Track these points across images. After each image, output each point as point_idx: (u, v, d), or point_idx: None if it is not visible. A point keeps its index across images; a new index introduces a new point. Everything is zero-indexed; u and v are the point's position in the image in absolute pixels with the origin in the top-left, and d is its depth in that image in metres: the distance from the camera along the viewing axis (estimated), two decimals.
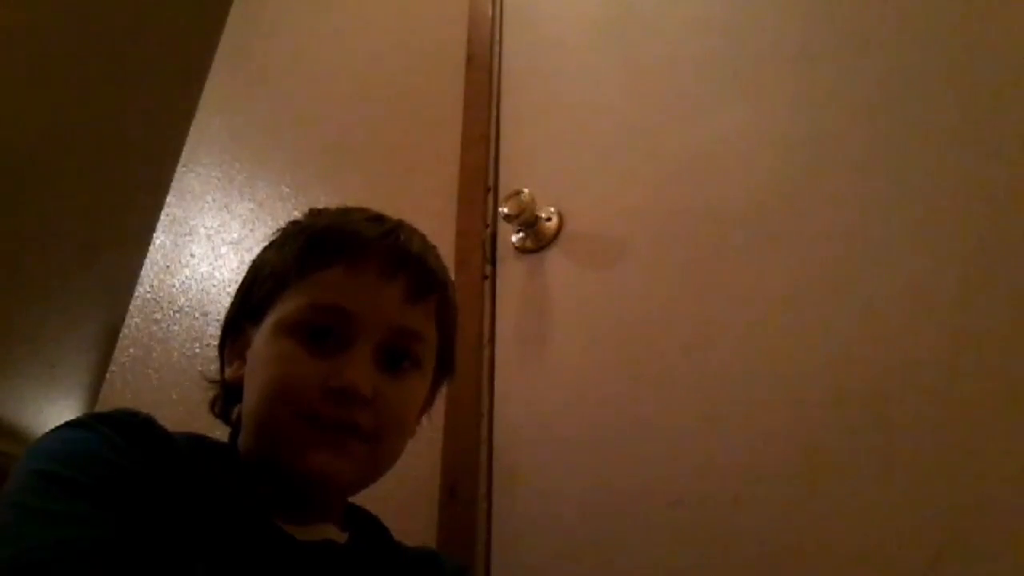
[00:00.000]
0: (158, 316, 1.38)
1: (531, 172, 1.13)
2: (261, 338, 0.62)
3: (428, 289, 0.65)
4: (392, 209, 1.25)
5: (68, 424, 0.53)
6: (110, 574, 0.43)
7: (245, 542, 0.53)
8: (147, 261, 1.49)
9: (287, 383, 0.58)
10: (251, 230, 1.40)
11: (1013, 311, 0.69)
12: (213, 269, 1.40)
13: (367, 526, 0.68)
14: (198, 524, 0.51)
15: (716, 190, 0.94)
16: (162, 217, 1.55)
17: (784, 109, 0.94)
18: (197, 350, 1.28)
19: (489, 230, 1.10)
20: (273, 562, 0.55)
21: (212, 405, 0.68)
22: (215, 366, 0.69)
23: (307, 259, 0.63)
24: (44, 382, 3.49)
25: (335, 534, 0.63)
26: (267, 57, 1.72)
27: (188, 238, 1.49)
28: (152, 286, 1.44)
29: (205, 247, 1.45)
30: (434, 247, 0.70)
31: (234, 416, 0.67)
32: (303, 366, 0.58)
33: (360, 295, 0.60)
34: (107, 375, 1.34)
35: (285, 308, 0.61)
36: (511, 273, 1.06)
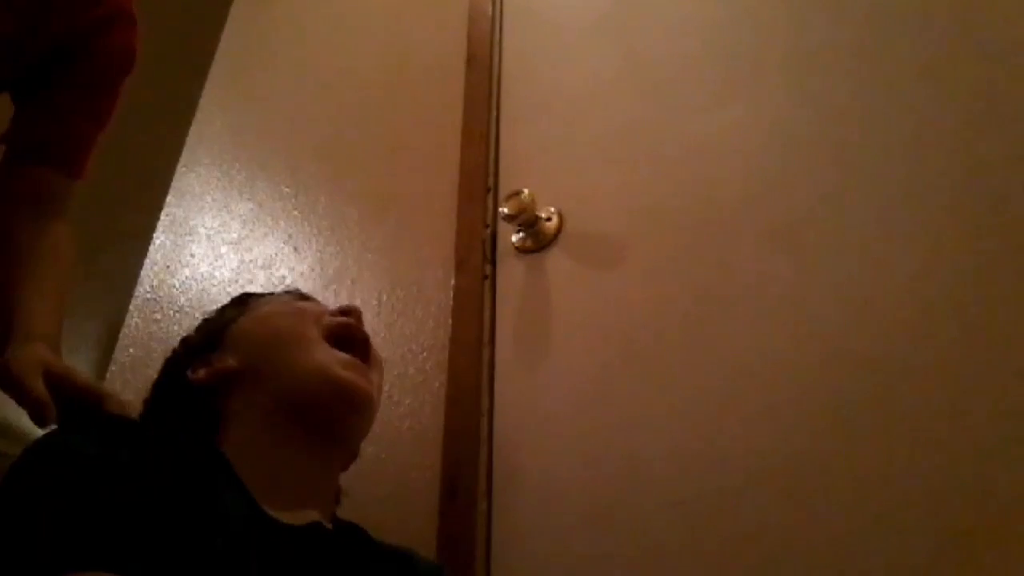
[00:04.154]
0: (158, 316, 1.38)
1: (531, 172, 1.13)
2: (254, 316, 0.73)
3: None
4: (392, 209, 1.25)
5: (45, 440, 0.53)
6: None
7: (233, 530, 0.53)
8: (147, 261, 1.49)
9: (307, 308, 0.74)
10: (251, 230, 1.40)
11: (1012, 309, 0.69)
12: (213, 269, 1.40)
13: (347, 524, 0.70)
14: (184, 518, 0.51)
15: (716, 190, 0.94)
16: (162, 217, 1.55)
17: (783, 107, 0.94)
18: None
19: (489, 230, 1.10)
20: (263, 546, 0.55)
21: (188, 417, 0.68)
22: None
23: (256, 295, 0.80)
24: None
25: (321, 517, 0.64)
26: (267, 57, 1.72)
27: (188, 238, 1.49)
28: (152, 286, 1.44)
29: (205, 247, 1.45)
30: None
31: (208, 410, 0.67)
32: (311, 304, 0.76)
33: (308, 297, 0.80)
34: (107, 375, 1.34)
35: (261, 306, 0.75)
36: (511, 273, 1.06)
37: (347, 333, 0.72)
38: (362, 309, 0.77)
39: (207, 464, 0.58)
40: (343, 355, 0.69)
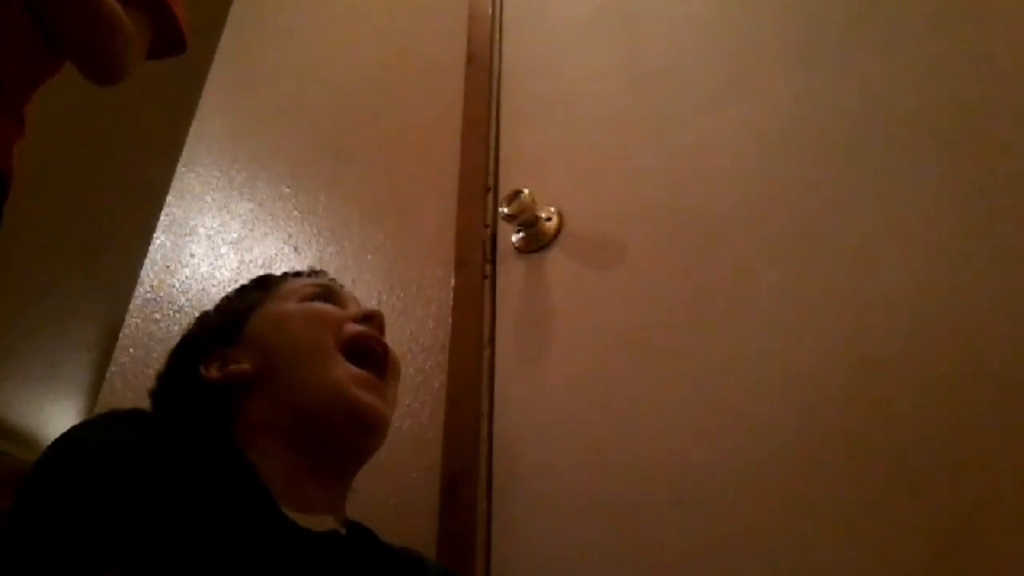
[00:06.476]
0: (158, 316, 1.38)
1: (531, 172, 1.13)
2: (273, 314, 0.70)
3: None
4: (392, 209, 1.25)
5: (87, 423, 0.54)
6: None
7: (258, 534, 0.53)
8: (147, 261, 1.49)
9: (326, 313, 0.70)
10: (251, 230, 1.40)
11: (1012, 310, 0.69)
12: (213, 269, 1.40)
13: (357, 527, 0.70)
14: (209, 520, 0.51)
15: (716, 190, 0.94)
16: (162, 217, 1.55)
17: (783, 107, 0.94)
18: None
19: (489, 230, 1.10)
20: (286, 551, 0.55)
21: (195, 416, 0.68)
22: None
23: (278, 276, 0.77)
24: (44, 381, 3.49)
25: (336, 525, 0.64)
26: (267, 57, 1.72)
27: (188, 238, 1.49)
28: (152, 286, 1.44)
29: (205, 247, 1.45)
30: None
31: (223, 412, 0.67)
32: (331, 309, 0.72)
33: (332, 287, 0.77)
34: (107, 375, 1.35)
35: (283, 295, 0.73)
36: (511, 273, 1.06)
37: (365, 345, 0.70)
38: None
39: (230, 466, 0.58)
40: (358, 372, 0.67)
